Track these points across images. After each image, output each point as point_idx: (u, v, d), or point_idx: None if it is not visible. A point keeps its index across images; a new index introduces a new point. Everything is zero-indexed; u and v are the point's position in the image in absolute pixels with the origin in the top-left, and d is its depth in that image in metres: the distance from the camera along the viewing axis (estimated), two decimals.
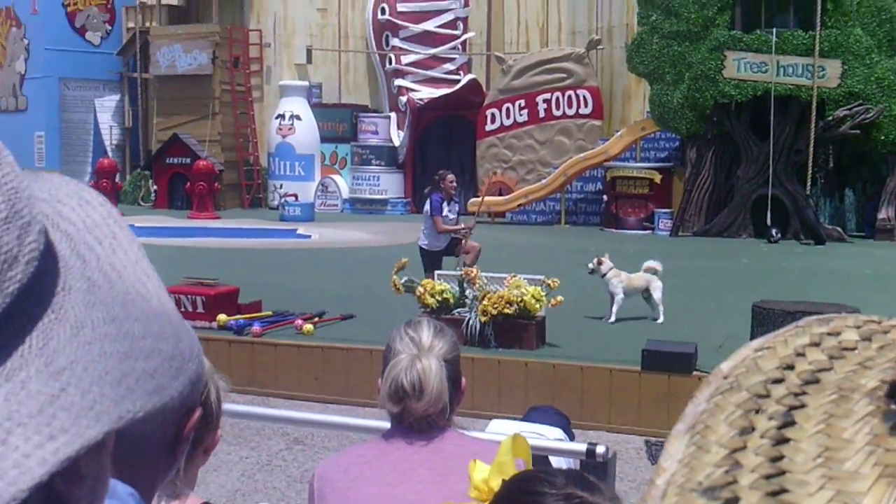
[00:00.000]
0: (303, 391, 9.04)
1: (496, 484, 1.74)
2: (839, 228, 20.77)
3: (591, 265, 10.77)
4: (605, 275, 10.67)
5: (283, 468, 7.18)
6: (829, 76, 20.18)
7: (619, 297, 10.62)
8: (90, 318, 0.62)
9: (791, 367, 0.54)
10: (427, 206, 12.62)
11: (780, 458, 0.48)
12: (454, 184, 12.88)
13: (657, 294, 10.72)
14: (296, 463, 7.29)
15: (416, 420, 2.61)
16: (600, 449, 3.37)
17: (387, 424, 2.87)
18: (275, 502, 6.55)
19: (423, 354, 2.60)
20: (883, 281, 13.72)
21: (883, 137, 20.09)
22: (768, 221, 20.04)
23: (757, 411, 0.52)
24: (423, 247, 12.53)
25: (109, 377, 0.60)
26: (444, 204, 12.49)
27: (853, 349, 0.55)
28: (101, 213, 0.71)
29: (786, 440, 0.49)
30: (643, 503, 0.51)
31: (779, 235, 19.82)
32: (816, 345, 0.56)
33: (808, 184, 20.42)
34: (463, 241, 12.46)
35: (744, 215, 20.87)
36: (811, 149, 20.11)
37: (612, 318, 10.54)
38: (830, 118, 20.19)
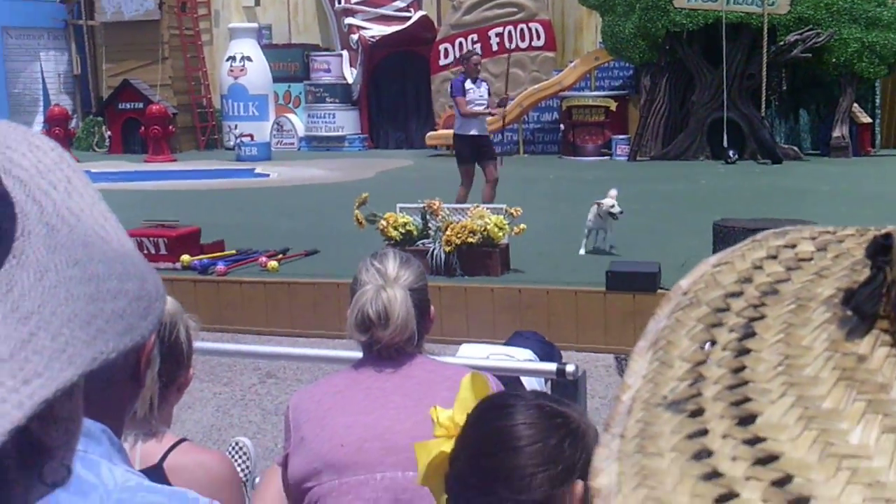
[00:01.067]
0: (271, 326, 9.06)
1: (461, 418, 1.78)
2: (795, 148, 20.94)
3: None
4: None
5: (256, 402, 7.22)
6: (778, 3, 20.19)
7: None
8: (53, 262, 0.61)
9: (749, 280, 0.55)
10: (449, 90, 12.00)
11: (742, 368, 0.49)
12: (478, 65, 12.14)
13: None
14: (269, 396, 7.33)
15: (385, 348, 2.65)
16: (570, 368, 3.41)
17: (357, 354, 2.90)
18: (250, 436, 6.59)
19: (388, 284, 2.64)
20: (840, 197, 13.89)
21: (834, 60, 20.20)
22: (725, 143, 20.16)
23: (718, 325, 0.53)
24: (456, 132, 12.03)
25: (78, 319, 0.60)
26: (468, 82, 11.79)
27: (809, 259, 0.56)
28: (52, 158, 0.70)
29: (747, 351, 0.50)
30: (609, 420, 0.51)
31: (736, 156, 19.97)
32: (774, 257, 0.56)
33: (763, 106, 20.53)
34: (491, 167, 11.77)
35: (700, 138, 20.98)
36: (764, 73, 20.19)
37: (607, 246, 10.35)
38: (782, 43, 20.25)
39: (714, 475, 0.45)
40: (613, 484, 0.47)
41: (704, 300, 0.54)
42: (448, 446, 1.77)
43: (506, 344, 5.48)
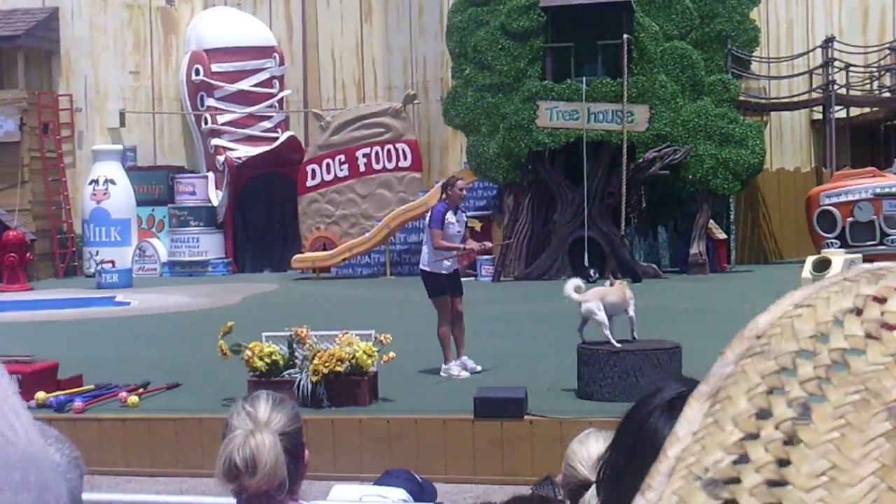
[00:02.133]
0: (131, 466, 8.73)
1: None
2: (654, 265, 21.51)
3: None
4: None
5: None
6: (637, 120, 20.97)
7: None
8: None
9: (825, 338, 0.51)
10: (427, 218, 10.87)
11: (787, 462, 0.46)
12: (464, 192, 10.99)
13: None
14: None
15: (255, 497, 2.56)
16: None
17: (221, 500, 2.79)
18: None
19: (258, 429, 2.55)
20: (700, 314, 14.24)
21: (690, 176, 20.96)
22: (586, 262, 20.56)
23: (780, 390, 0.49)
24: (424, 269, 10.67)
25: None
26: (450, 213, 10.56)
27: (893, 329, 0.51)
28: None
29: (797, 441, 0.47)
30: (650, 478, 0.48)
31: (597, 275, 20.34)
32: (858, 312, 0.52)
33: (623, 224, 21.08)
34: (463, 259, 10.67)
35: (562, 257, 21.37)
36: (623, 190, 20.79)
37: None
38: (641, 160, 20.96)
39: None
40: None
41: (775, 352, 0.51)
42: None
43: (376, 483, 5.37)
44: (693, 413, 0.50)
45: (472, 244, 11.19)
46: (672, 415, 1.40)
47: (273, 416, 2.60)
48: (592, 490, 2.57)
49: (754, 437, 0.48)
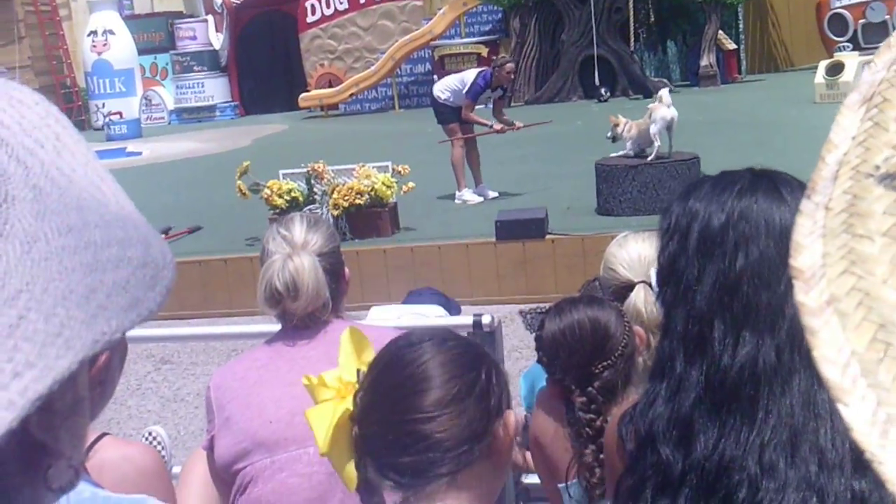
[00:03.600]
0: (160, 310, 8.85)
1: (351, 375, 1.65)
2: (665, 80, 21.24)
3: (609, 134, 9.51)
4: (623, 133, 9.40)
5: (153, 390, 7.06)
6: None
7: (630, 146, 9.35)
8: (42, 230, 0.53)
9: None
10: (464, 81, 10.64)
11: None
12: (511, 74, 10.98)
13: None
14: (166, 383, 7.18)
15: (300, 319, 2.57)
16: (486, 319, 3.40)
17: (261, 328, 2.82)
18: (151, 425, 6.45)
19: (295, 252, 2.54)
20: (715, 125, 14.15)
21: None
22: (597, 81, 20.33)
23: None
24: (438, 99, 10.72)
25: (75, 295, 0.51)
26: (489, 91, 10.65)
27: None
28: (38, 113, 0.62)
29: None
30: (812, 185, 0.45)
31: (608, 94, 20.17)
32: None
33: (632, 40, 20.74)
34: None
35: (572, 78, 21.13)
36: (631, 5, 20.38)
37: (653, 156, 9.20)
38: None
39: None
40: (817, 266, 0.42)
41: None
42: (345, 406, 1.62)
43: (404, 303, 5.44)
44: (848, 120, 0.47)
45: (498, 125, 11.10)
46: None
47: (309, 237, 2.58)
48: (638, 289, 2.58)
49: None
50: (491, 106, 11.11)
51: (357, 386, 1.64)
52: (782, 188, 1.47)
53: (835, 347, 0.41)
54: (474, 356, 1.61)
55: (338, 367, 1.70)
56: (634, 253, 2.65)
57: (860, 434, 0.39)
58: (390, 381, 1.59)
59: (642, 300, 2.54)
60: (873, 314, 0.41)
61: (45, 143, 0.60)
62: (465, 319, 3.55)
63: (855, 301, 0.41)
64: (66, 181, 0.58)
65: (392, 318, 4.05)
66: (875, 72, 0.48)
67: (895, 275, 0.40)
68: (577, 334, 2.40)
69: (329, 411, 1.63)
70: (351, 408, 1.61)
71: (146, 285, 0.56)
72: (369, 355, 1.71)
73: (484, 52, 22.63)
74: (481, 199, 10.52)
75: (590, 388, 2.38)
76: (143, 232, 0.59)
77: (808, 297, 0.42)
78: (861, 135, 0.46)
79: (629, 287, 2.59)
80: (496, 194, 10.62)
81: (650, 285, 2.57)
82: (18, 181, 0.56)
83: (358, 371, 1.66)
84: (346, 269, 2.69)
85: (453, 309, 5.37)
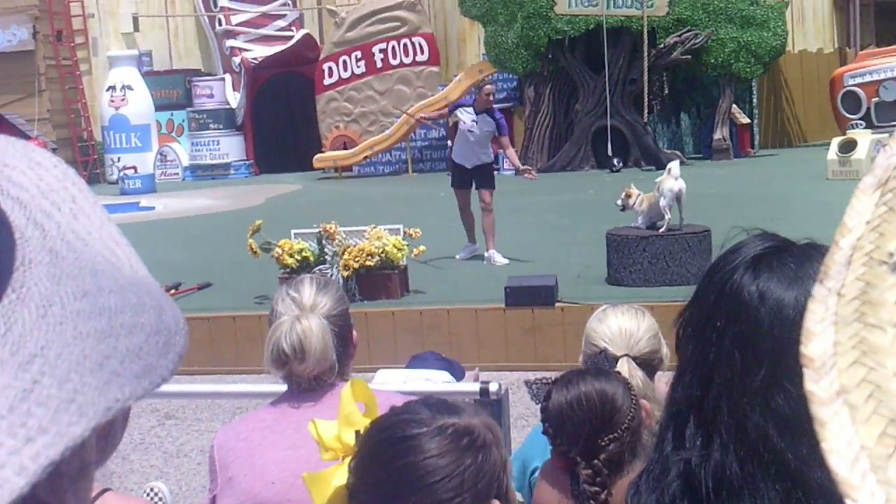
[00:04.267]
0: None
1: (350, 437, 1.66)
2: (678, 152, 21.31)
3: (619, 201, 9.54)
4: (634, 206, 9.37)
5: (157, 445, 7.03)
6: (657, 5, 20.61)
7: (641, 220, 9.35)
8: (58, 295, 0.53)
9: None
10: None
11: None
12: (490, 96, 11.16)
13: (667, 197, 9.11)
14: (170, 438, 7.15)
15: (307, 381, 2.57)
16: (493, 387, 3.40)
17: (268, 388, 2.81)
18: (153, 480, 6.41)
19: (304, 315, 2.54)
20: (727, 199, 14.17)
21: (712, 61, 20.66)
22: (609, 151, 20.43)
23: None
24: (452, 159, 11.51)
25: (89, 361, 0.51)
26: (468, 109, 11.06)
27: None
28: (55, 176, 0.62)
29: None
30: (825, 269, 0.45)
31: (620, 164, 20.26)
32: None
33: (645, 111, 20.89)
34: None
35: (585, 147, 21.24)
36: (645, 77, 20.55)
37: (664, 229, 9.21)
38: (662, 46, 20.65)
39: None
40: (828, 355, 0.41)
41: None
42: (342, 473, 1.64)
43: (408, 367, 5.43)
44: (862, 204, 0.47)
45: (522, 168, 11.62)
46: (756, 271, 1.37)
47: (318, 299, 2.59)
48: (622, 362, 2.58)
49: None
50: (479, 132, 10.97)
51: (355, 450, 1.64)
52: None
53: (844, 440, 0.40)
54: (472, 443, 1.60)
55: (337, 422, 1.70)
56: (615, 326, 2.67)
57: None
58: (386, 468, 1.60)
59: (627, 373, 2.54)
60: (883, 408, 0.40)
61: (62, 205, 0.61)
62: (471, 387, 3.54)
63: (865, 393, 0.41)
64: (81, 245, 0.59)
65: (398, 382, 4.04)
66: (890, 155, 0.48)
67: None
68: (585, 406, 2.39)
69: (327, 479, 1.64)
70: (346, 476, 1.63)
71: (159, 352, 0.56)
72: (371, 412, 1.71)
73: None
74: (507, 261, 10.55)
75: (595, 461, 2.36)
76: (156, 298, 0.60)
77: (819, 386, 0.41)
78: (875, 219, 0.45)
79: (613, 361, 2.61)
80: (506, 261, 10.62)
81: (633, 359, 2.59)
82: (36, 244, 0.56)
83: (357, 433, 1.66)
84: (355, 333, 2.70)
85: (457, 372, 5.37)
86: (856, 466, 0.40)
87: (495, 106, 11.67)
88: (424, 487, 1.55)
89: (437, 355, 5.85)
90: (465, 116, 10.93)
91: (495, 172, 11.49)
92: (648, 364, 2.67)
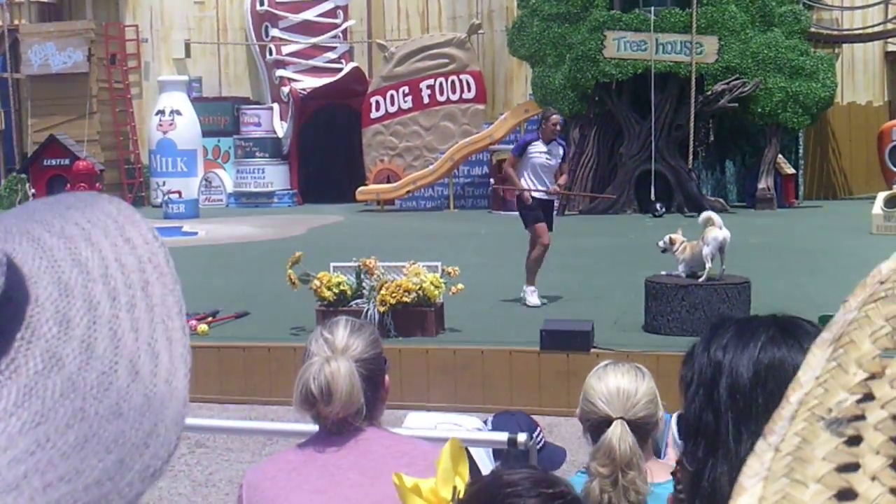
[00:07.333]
0: (200, 392, 8.86)
1: (447, 493, 1.70)
2: (721, 200, 21.24)
3: (662, 244, 9.48)
4: (677, 252, 9.29)
5: (186, 473, 7.04)
6: (706, 52, 20.59)
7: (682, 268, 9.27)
8: (54, 411, 0.52)
9: None
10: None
11: None
12: (557, 126, 10.82)
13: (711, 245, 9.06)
14: (199, 467, 7.15)
15: (333, 424, 2.57)
16: (521, 437, 3.37)
17: (295, 427, 2.81)
18: None
19: (335, 356, 2.55)
20: (769, 249, 14.08)
21: (760, 110, 20.59)
22: (652, 196, 20.38)
23: None
24: (532, 195, 10.75)
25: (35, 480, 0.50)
26: (538, 143, 10.78)
27: None
28: (139, 256, 0.60)
29: None
30: (772, 423, 0.47)
31: (663, 210, 20.19)
32: None
33: (690, 158, 20.83)
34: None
35: (628, 192, 21.20)
36: (692, 123, 20.51)
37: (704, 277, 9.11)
38: (709, 93, 20.61)
39: None
40: None
41: None
42: None
43: (493, 420, 5.35)
44: (815, 359, 0.49)
45: (553, 187, 11.09)
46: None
47: (350, 342, 2.59)
48: (615, 425, 2.55)
49: (879, 376, 0.47)
50: (554, 163, 10.90)
51: None
52: (804, 342, 1.43)
53: None
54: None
55: (435, 477, 1.75)
56: (613, 386, 2.63)
57: None
58: None
59: (618, 437, 2.50)
60: None
61: (121, 294, 0.58)
62: (499, 436, 3.51)
63: None
64: (111, 346, 0.56)
65: (428, 426, 4.02)
66: (847, 312, 0.49)
67: None
68: None
69: None
70: None
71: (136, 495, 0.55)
72: (465, 471, 1.75)
73: None
74: (539, 304, 10.47)
75: None
76: (153, 418, 0.57)
77: None
78: (823, 375, 0.47)
79: (607, 422, 2.57)
80: (538, 303, 10.54)
81: (628, 422, 2.55)
82: (46, 344, 0.54)
83: (454, 489, 1.70)
84: (387, 378, 2.69)
85: (536, 433, 5.25)
86: None
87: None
88: None
89: (526, 417, 5.69)
90: (536, 150, 10.78)
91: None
92: (643, 428, 2.63)
